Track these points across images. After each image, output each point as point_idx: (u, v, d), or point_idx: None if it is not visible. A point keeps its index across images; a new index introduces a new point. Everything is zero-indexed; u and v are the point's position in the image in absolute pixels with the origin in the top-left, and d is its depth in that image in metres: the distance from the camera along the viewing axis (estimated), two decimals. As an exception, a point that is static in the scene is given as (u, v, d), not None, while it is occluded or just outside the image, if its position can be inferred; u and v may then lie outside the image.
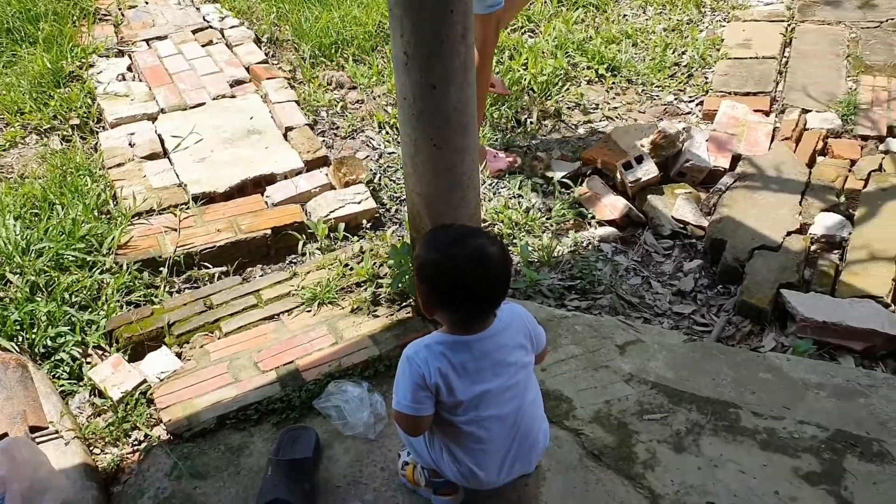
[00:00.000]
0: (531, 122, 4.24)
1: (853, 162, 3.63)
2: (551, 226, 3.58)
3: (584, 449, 2.38)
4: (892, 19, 4.71)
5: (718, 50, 4.64)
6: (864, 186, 3.44)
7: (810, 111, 3.99)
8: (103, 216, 3.49)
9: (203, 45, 4.97)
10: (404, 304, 2.91)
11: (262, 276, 3.36)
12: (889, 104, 4.01)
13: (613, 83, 4.52)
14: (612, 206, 3.56)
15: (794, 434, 2.39)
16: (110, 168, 3.81)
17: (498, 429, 1.99)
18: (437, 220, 2.61)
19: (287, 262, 3.44)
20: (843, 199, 3.39)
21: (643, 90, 4.46)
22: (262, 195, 3.71)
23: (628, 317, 3.10)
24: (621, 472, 2.30)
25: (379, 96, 4.49)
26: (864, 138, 3.81)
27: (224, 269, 3.35)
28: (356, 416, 2.44)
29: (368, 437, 2.44)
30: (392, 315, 2.88)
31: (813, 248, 3.21)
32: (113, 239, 3.29)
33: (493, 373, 1.95)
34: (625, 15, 5.18)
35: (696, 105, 4.26)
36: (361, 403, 2.47)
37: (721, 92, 4.23)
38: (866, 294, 2.93)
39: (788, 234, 3.21)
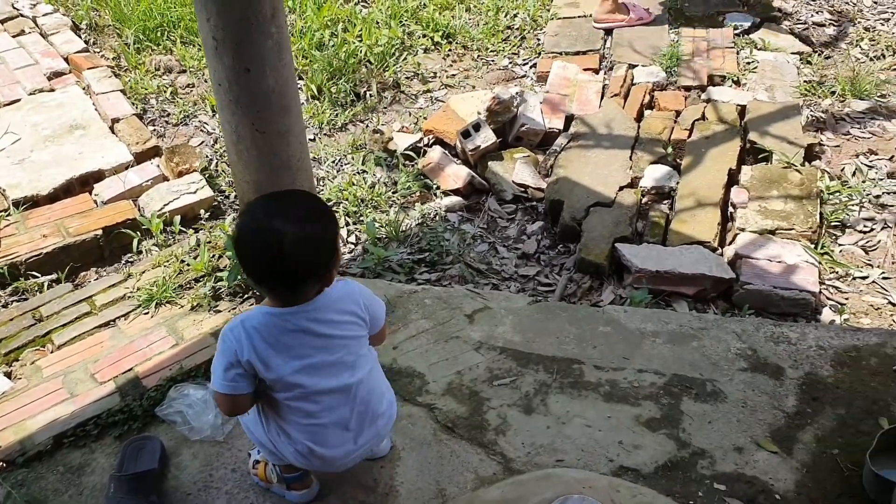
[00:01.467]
0: (370, 95, 4.18)
1: (678, 113, 3.79)
2: (398, 200, 3.57)
3: (437, 423, 2.39)
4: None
5: (549, 10, 4.72)
6: (689, 136, 3.60)
7: (637, 66, 4.13)
8: None
9: (14, 36, 4.59)
10: (247, 296, 2.83)
11: (97, 280, 3.18)
12: (709, 53, 4.20)
13: (450, 50, 4.52)
14: (456, 175, 3.58)
15: (635, 383, 2.49)
16: (-87, 179, 3.49)
17: (329, 401, 1.94)
18: (270, 208, 2.54)
19: (123, 262, 3.28)
20: (670, 150, 3.53)
21: (479, 56, 4.48)
22: (91, 194, 3.50)
23: (477, 284, 3.13)
24: (474, 441, 2.33)
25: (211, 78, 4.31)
26: (688, 89, 3.99)
27: (54, 276, 3.15)
28: (201, 420, 2.36)
29: (217, 439, 2.36)
30: (234, 309, 2.80)
31: (644, 200, 3.34)
32: (-79, 257, 3.03)
33: (315, 347, 1.90)
34: (457, -20, 5.17)
35: (531, 68, 4.33)
36: (206, 406, 2.39)
37: (552, 53, 4.31)
38: (695, 240, 3.08)
39: (621, 188, 3.33)
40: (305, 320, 1.88)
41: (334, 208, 3.49)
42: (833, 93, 3.95)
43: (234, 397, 1.90)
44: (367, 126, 4.01)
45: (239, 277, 2.79)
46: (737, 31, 4.37)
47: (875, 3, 4.75)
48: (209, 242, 3.09)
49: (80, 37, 4.61)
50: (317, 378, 1.91)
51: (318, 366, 1.91)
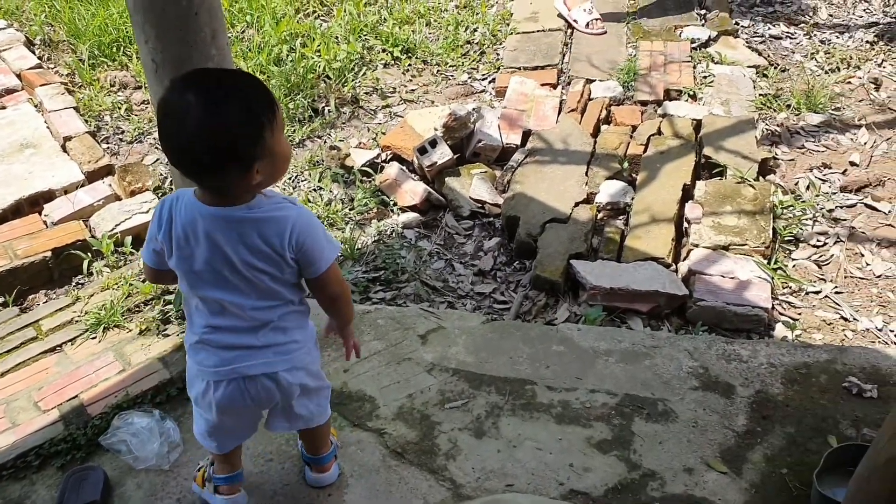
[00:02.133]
0: (329, 111, 4.15)
1: (634, 128, 3.79)
2: (354, 217, 3.54)
3: (387, 448, 2.36)
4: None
5: (508, 25, 4.72)
6: (645, 151, 3.61)
7: (594, 81, 4.14)
8: None
9: (-35, 52, 4.52)
10: (196, 319, 2.78)
11: (45, 303, 3.12)
12: (665, 68, 4.22)
13: (409, 65, 4.50)
14: (413, 191, 3.56)
15: (587, 404, 2.48)
16: None
17: (211, 318, 1.81)
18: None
19: (73, 284, 3.22)
20: (625, 165, 3.54)
21: (438, 71, 4.47)
22: (41, 214, 3.44)
23: (433, 303, 3.11)
24: (424, 467, 2.30)
25: (166, 95, 4.25)
26: (644, 103, 4.00)
27: (1, 300, 3.08)
28: (146, 449, 2.31)
29: (162, 467, 2.32)
30: (183, 333, 2.73)
31: (600, 216, 3.34)
32: None
33: (207, 261, 1.72)
34: (418, -7, 5.16)
35: (489, 83, 4.32)
36: (151, 434, 2.34)
37: (511, 68, 4.30)
38: (649, 256, 3.08)
39: (576, 204, 3.32)
40: (209, 226, 1.69)
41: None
42: (788, 106, 3.99)
43: (150, 269, 1.84)
44: (325, 142, 3.98)
45: (187, 301, 2.74)
46: (694, 45, 4.40)
47: (830, 16, 4.80)
48: (159, 264, 3.04)
49: (33, 53, 4.54)
50: (203, 288, 1.76)
51: (207, 279, 1.74)
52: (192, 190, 1.73)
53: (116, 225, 3.31)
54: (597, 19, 4.58)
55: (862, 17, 4.76)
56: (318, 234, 1.75)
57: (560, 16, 4.68)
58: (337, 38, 4.60)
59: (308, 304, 1.93)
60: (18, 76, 4.33)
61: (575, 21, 4.62)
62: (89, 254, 3.22)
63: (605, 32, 4.56)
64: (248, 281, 1.75)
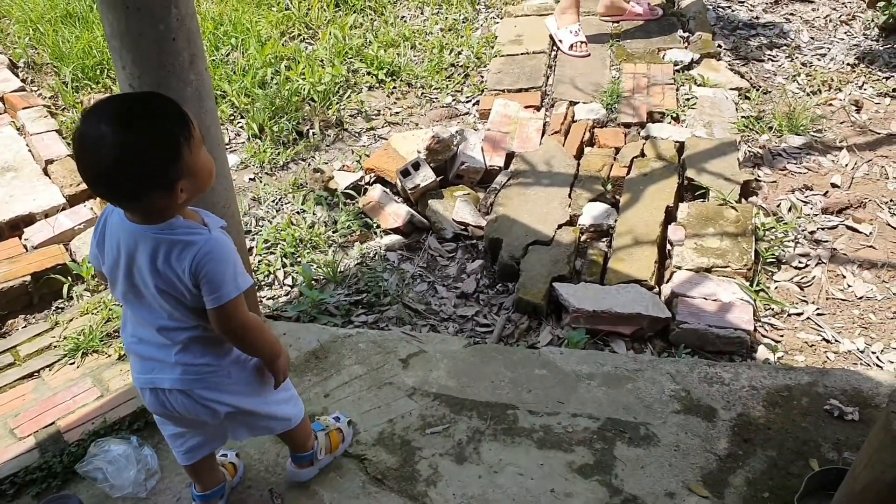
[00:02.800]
0: (313, 134, 4.15)
1: (618, 150, 3.80)
2: (337, 239, 3.53)
3: (367, 474, 2.34)
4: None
5: (493, 48, 4.74)
6: (628, 173, 3.61)
7: (578, 103, 4.15)
8: None
9: (-53, 75, 4.51)
10: (175, 344, 2.75)
11: (24, 328, 3.09)
12: (649, 90, 4.24)
13: (394, 88, 4.52)
14: (395, 213, 3.55)
15: (568, 428, 2.47)
16: None
17: (136, 328, 1.86)
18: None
19: (53, 308, 3.19)
20: (609, 187, 3.54)
21: (423, 93, 4.48)
22: (21, 238, 3.41)
23: (415, 326, 3.10)
24: (404, 494, 2.28)
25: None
26: (627, 125, 4.01)
27: (-21, 325, 3.05)
28: (122, 477, 2.28)
29: (139, 495, 2.29)
30: (163, 358, 2.72)
31: (583, 238, 3.34)
32: None
33: (126, 275, 1.75)
34: (403, 17, 5.19)
35: (473, 105, 4.33)
36: (127, 461, 2.31)
37: (495, 90, 4.32)
38: (632, 279, 3.07)
39: (560, 226, 3.32)
40: (124, 238, 1.71)
41: (270, 251, 3.44)
42: (770, 128, 4.01)
43: (101, 273, 1.84)
44: (309, 165, 3.97)
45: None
46: (677, 68, 4.43)
47: (812, 38, 4.85)
48: (139, 288, 3.02)
49: (17, 75, 4.53)
50: (116, 287, 1.80)
51: (118, 281, 1.77)
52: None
53: (97, 248, 3.29)
54: (582, 42, 4.61)
55: (843, 39, 4.80)
56: (221, 265, 1.71)
57: (550, 36, 4.73)
58: (322, 61, 4.61)
59: None
60: (1, 99, 4.31)
61: (560, 41, 4.66)
62: (69, 278, 3.20)
63: (589, 55, 4.59)
64: (158, 301, 1.75)
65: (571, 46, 4.61)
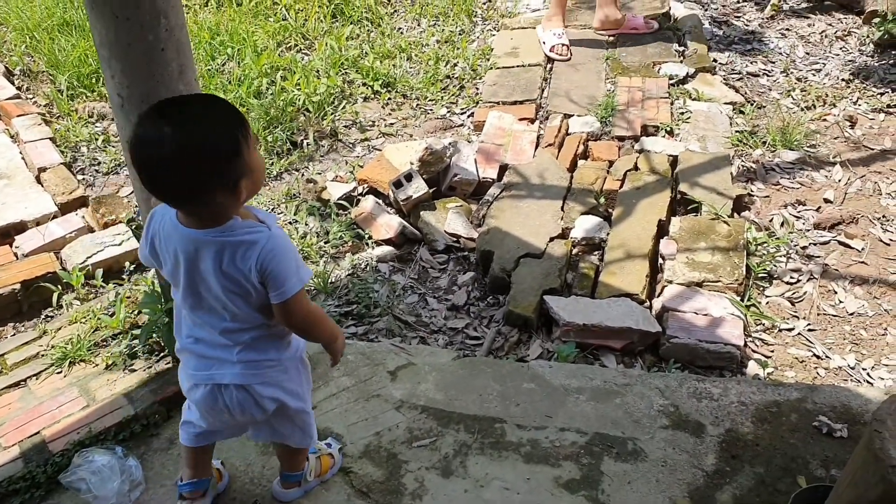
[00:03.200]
0: (307, 144, 4.15)
1: (611, 163, 3.80)
2: (329, 250, 3.52)
3: (352, 488, 2.33)
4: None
5: (488, 60, 4.75)
6: (621, 186, 3.61)
7: (572, 116, 4.16)
8: None
9: (-58, 82, 4.51)
10: (163, 354, 2.75)
11: (13, 335, 3.08)
12: (643, 104, 4.24)
13: (389, 99, 4.52)
14: (388, 225, 3.54)
15: (556, 442, 2.45)
16: None
17: (193, 328, 1.91)
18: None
19: (43, 317, 3.17)
20: (602, 200, 3.54)
21: (418, 105, 4.48)
22: (12, 246, 3.41)
23: (405, 338, 3.09)
24: (389, 507, 2.27)
25: (144, 127, 4.25)
26: (621, 139, 4.01)
27: (-32, 333, 3.04)
28: (106, 488, 2.26)
29: (122, 507, 2.27)
30: (150, 368, 2.71)
31: (575, 251, 3.33)
32: None
33: (186, 280, 1.79)
34: (399, 28, 5.20)
35: (468, 117, 4.33)
36: (111, 472, 2.30)
37: (490, 102, 4.32)
38: (623, 292, 3.07)
39: (551, 239, 3.32)
40: (183, 241, 1.74)
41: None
42: (764, 143, 4.01)
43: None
44: (303, 175, 3.97)
45: (154, 335, 2.71)
46: (672, 82, 4.43)
47: (807, 54, 4.86)
48: (128, 297, 3.01)
49: (12, 83, 4.53)
50: (178, 285, 1.83)
51: (181, 282, 1.81)
52: (175, 211, 1.76)
53: (88, 257, 3.28)
54: (564, 45, 4.70)
55: (838, 55, 4.81)
56: (284, 260, 1.75)
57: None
58: (318, 71, 4.62)
59: None
60: (-4, 106, 4.32)
61: (543, 43, 4.76)
62: (59, 286, 3.18)
63: (569, 59, 4.68)
64: (222, 302, 1.79)
65: (553, 48, 4.69)
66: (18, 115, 4.18)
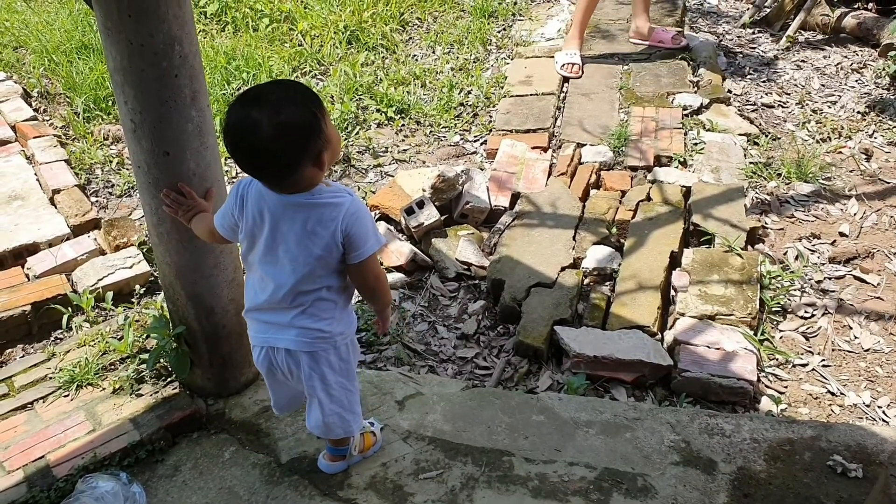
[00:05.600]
0: (320, 169, 4.16)
1: (624, 193, 3.78)
2: (339, 276, 3.50)
3: (357, 519, 2.30)
4: (660, 51, 5.00)
5: (502, 88, 4.76)
6: (633, 217, 3.59)
7: (585, 145, 4.15)
8: None
9: (-39, 103, 4.56)
10: (171, 379, 2.74)
11: (22, 357, 3.08)
12: (657, 134, 4.23)
13: (402, 125, 4.53)
14: (398, 251, 3.53)
15: (564, 477, 2.41)
16: None
17: (259, 293, 2.06)
18: (192, 290, 2.49)
19: (52, 339, 3.18)
20: (614, 230, 3.52)
21: (431, 131, 4.49)
22: (24, 267, 3.42)
23: (413, 367, 3.06)
24: (394, 540, 2.23)
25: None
26: (634, 169, 4.00)
27: (-24, 354, 3.04)
28: (108, 514, 2.24)
29: (124, 534, 2.25)
30: (157, 393, 2.70)
31: (586, 281, 3.30)
32: None
33: (266, 240, 1.97)
34: (414, 55, 5.23)
35: (481, 144, 4.33)
36: (115, 498, 2.28)
37: (503, 130, 4.32)
38: (634, 324, 3.03)
39: (563, 269, 3.29)
40: (276, 209, 1.92)
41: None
42: (779, 175, 3.99)
43: (219, 236, 2.10)
44: (315, 200, 3.97)
45: (162, 360, 2.70)
46: (686, 112, 4.42)
47: (823, 86, 4.84)
48: (137, 321, 3.01)
49: (30, 105, 4.58)
50: (260, 255, 2.01)
51: (266, 249, 1.98)
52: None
53: (98, 280, 3.29)
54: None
55: (854, 87, 4.79)
56: (365, 224, 1.95)
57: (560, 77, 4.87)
58: (332, 97, 4.64)
59: (346, 299, 2.11)
60: (13, 128, 4.35)
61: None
62: (70, 308, 3.18)
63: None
64: (297, 261, 1.96)
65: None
66: (35, 137, 4.21)
